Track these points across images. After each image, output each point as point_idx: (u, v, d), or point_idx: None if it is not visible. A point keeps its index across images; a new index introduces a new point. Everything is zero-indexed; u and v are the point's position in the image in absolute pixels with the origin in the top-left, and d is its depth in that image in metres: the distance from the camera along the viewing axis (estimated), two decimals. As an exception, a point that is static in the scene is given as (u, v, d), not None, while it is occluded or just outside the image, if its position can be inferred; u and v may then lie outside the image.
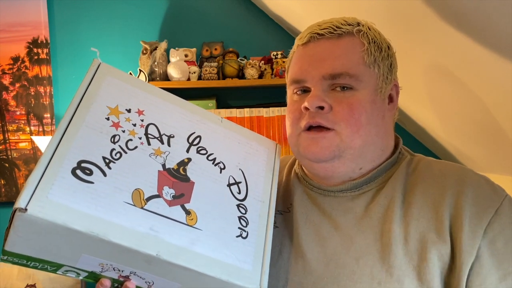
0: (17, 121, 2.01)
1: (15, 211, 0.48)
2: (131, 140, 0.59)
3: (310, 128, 0.66)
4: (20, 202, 0.48)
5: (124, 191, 0.55)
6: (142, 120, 0.62)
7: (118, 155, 0.57)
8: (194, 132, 0.65)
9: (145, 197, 0.56)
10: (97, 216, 0.51)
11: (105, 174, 0.55)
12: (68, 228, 0.49)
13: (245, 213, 0.63)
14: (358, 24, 0.67)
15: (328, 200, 0.69)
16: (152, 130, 0.62)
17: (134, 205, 0.54)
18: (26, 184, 0.49)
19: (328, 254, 0.64)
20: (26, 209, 0.47)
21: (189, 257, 0.54)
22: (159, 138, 0.62)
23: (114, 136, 0.58)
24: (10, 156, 2.01)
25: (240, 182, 0.65)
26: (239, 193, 0.64)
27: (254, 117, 1.87)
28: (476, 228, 0.57)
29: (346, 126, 0.63)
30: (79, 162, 0.54)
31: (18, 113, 2.01)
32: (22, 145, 2.01)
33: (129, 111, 0.61)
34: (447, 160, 1.26)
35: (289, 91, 0.71)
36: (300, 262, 0.65)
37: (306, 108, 0.65)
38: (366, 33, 0.66)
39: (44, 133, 2.01)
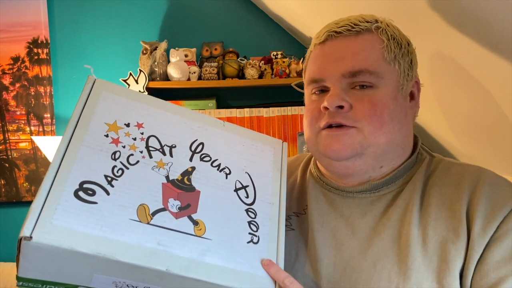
0: (17, 121, 2.01)
1: (20, 239, 0.48)
2: (132, 155, 0.58)
3: (329, 126, 0.64)
4: (25, 231, 0.48)
5: (128, 208, 0.54)
6: (142, 133, 0.61)
7: (120, 172, 0.56)
8: (196, 140, 0.64)
9: (151, 212, 0.55)
10: (102, 237, 0.51)
11: (108, 193, 0.54)
12: (74, 252, 0.49)
13: (255, 218, 0.62)
14: (376, 21, 0.66)
15: (347, 202, 0.67)
16: (153, 142, 0.61)
17: (139, 221, 0.54)
18: (30, 210, 0.49)
19: (345, 259, 0.63)
20: (31, 237, 0.48)
21: (200, 268, 0.54)
22: (160, 150, 0.61)
23: (114, 153, 0.57)
24: (10, 156, 2.01)
25: (247, 186, 0.64)
26: (247, 197, 0.63)
27: (254, 117, 1.88)
28: (488, 225, 0.57)
29: (368, 123, 0.61)
30: (81, 184, 0.53)
31: (18, 113, 2.01)
32: (22, 145, 2.01)
33: (128, 125, 0.61)
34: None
35: (307, 91, 0.70)
36: (316, 267, 0.64)
37: (326, 108, 0.63)
38: (385, 29, 0.65)
39: (44, 133, 2.01)
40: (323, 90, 0.66)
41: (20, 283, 0.54)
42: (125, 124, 0.61)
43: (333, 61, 0.64)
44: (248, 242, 0.59)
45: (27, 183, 2.02)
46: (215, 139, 0.66)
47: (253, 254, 0.58)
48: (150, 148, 0.60)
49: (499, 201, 0.58)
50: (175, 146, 0.62)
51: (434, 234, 0.59)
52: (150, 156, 0.60)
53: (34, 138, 1.87)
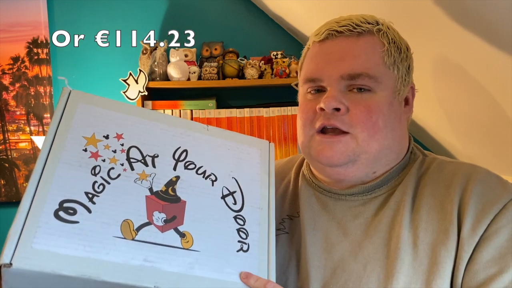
0: (17, 121, 2.01)
1: (0, 267, 0.46)
2: (113, 168, 0.56)
3: (323, 129, 0.63)
4: (4, 258, 0.46)
5: (112, 225, 0.53)
6: (122, 145, 0.59)
7: (101, 187, 0.54)
8: (179, 147, 0.62)
9: (135, 227, 0.54)
10: (86, 257, 0.49)
11: (89, 211, 0.52)
12: (58, 275, 0.47)
13: (244, 224, 0.60)
14: (377, 23, 0.65)
15: (339, 205, 0.67)
16: (134, 153, 0.59)
17: (124, 238, 0.52)
18: (9, 235, 0.47)
19: (336, 261, 0.62)
20: (11, 264, 0.46)
21: (190, 282, 0.53)
22: (142, 161, 0.59)
23: (94, 168, 0.55)
24: (10, 156, 2.01)
25: (234, 192, 0.63)
26: (235, 203, 0.62)
27: (254, 117, 1.87)
28: (478, 224, 0.56)
29: (362, 130, 0.61)
30: (61, 203, 0.51)
31: (18, 113, 2.01)
32: (22, 145, 2.01)
33: (107, 137, 0.58)
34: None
35: (302, 89, 0.68)
36: (307, 269, 0.64)
37: (322, 109, 0.62)
38: (386, 32, 0.64)
39: (44, 133, 2.01)
40: (319, 90, 0.65)
41: None
42: (103, 136, 0.58)
43: (333, 61, 0.63)
44: (238, 251, 0.58)
45: (27, 183, 2.01)
46: (199, 145, 0.64)
47: (243, 262, 0.57)
48: (132, 160, 0.58)
49: (490, 199, 0.58)
50: (157, 156, 0.60)
51: (425, 236, 0.59)
52: (132, 168, 0.58)
53: (34, 138, 1.87)
